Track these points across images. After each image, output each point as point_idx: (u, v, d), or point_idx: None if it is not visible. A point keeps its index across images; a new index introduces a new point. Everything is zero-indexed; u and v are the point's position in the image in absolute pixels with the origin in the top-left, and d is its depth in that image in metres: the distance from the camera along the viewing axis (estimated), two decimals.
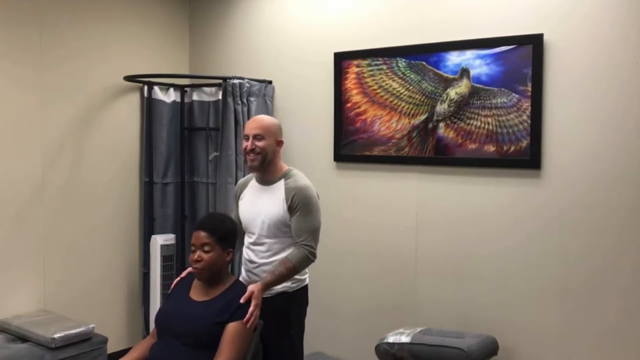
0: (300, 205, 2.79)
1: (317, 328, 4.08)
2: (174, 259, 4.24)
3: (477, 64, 3.36)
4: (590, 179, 3.09)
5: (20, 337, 3.53)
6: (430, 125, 3.55)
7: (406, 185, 3.68)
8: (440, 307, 3.58)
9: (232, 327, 2.52)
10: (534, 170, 3.23)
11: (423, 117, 3.57)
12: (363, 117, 3.80)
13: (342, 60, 3.87)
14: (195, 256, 2.60)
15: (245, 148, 2.85)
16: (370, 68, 3.75)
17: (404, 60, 3.61)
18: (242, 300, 2.55)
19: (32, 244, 3.85)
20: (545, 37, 3.15)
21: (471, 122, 3.40)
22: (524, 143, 3.23)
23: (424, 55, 3.53)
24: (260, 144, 2.82)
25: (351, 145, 3.86)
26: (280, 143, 2.93)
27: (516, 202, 3.31)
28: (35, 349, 3.42)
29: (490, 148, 3.35)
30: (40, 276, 3.90)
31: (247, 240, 2.97)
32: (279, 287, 2.83)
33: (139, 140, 4.40)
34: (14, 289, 3.78)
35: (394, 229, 3.74)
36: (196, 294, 2.66)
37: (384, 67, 3.69)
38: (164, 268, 4.18)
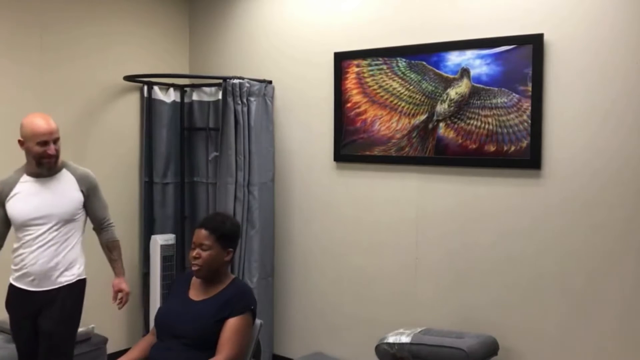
0: (93, 189, 3.06)
1: (317, 328, 4.09)
2: (174, 259, 4.24)
3: (477, 64, 3.36)
4: (591, 178, 3.09)
5: None
6: (430, 125, 3.54)
7: (406, 185, 3.68)
8: (440, 307, 3.58)
9: (231, 323, 2.52)
10: (534, 170, 3.23)
11: (423, 117, 3.57)
12: (363, 117, 3.80)
13: (342, 60, 3.87)
14: (194, 253, 2.61)
15: (45, 153, 2.88)
16: (370, 68, 3.75)
17: (404, 60, 3.61)
18: (115, 302, 2.97)
19: None
20: (545, 37, 3.15)
21: (471, 122, 3.40)
22: (524, 143, 3.23)
23: (424, 55, 3.53)
24: (57, 146, 2.93)
25: (351, 145, 3.86)
26: None
27: (516, 202, 3.30)
28: None
29: (491, 148, 3.35)
30: None
31: (30, 235, 2.92)
32: (77, 275, 3.02)
33: (138, 141, 4.40)
34: None
35: (394, 229, 3.74)
36: (195, 293, 2.66)
37: (384, 67, 3.69)
38: (164, 268, 4.17)
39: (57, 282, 2.95)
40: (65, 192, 2.98)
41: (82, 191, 3.01)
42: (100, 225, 3.14)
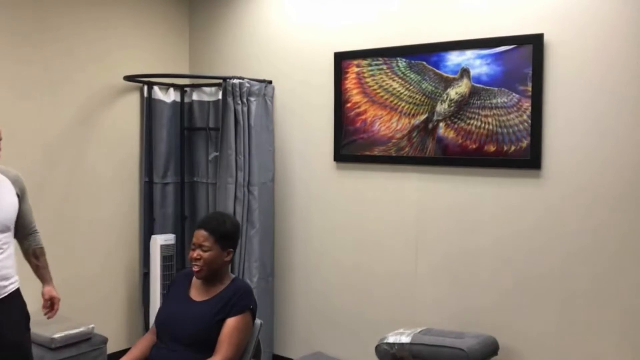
0: (25, 192, 2.83)
1: (317, 328, 4.09)
2: (174, 259, 4.24)
3: (477, 63, 3.36)
4: (591, 178, 3.09)
5: None
6: (430, 125, 3.54)
7: (406, 186, 3.68)
8: (440, 307, 3.58)
9: (230, 322, 2.53)
10: (534, 170, 3.23)
11: (423, 117, 3.57)
12: (363, 117, 3.80)
13: (342, 60, 3.87)
14: (195, 254, 2.61)
15: None
16: (370, 68, 3.75)
17: (404, 60, 3.61)
18: (42, 308, 2.79)
19: None
20: (545, 37, 3.15)
21: (471, 122, 3.40)
22: (524, 143, 3.23)
23: (424, 55, 3.53)
24: (0, 145, 2.72)
25: (351, 145, 3.86)
26: None
27: (516, 202, 3.30)
28: (35, 349, 3.40)
29: (491, 148, 3.35)
30: None
31: None
32: (18, 280, 2.79)
33: (139, 140, 4.40)
34: None
35: (394, 229, 3.74)
36: (196, 293, 2.66)
37: (384, 67, 3.69)
38: (164, 268, 4.17)
39: (4, 291, 2.67)
40: (4, 197, 2.70)
41: (17, 195, 2.76)
42: (28, 231, 2.89)
